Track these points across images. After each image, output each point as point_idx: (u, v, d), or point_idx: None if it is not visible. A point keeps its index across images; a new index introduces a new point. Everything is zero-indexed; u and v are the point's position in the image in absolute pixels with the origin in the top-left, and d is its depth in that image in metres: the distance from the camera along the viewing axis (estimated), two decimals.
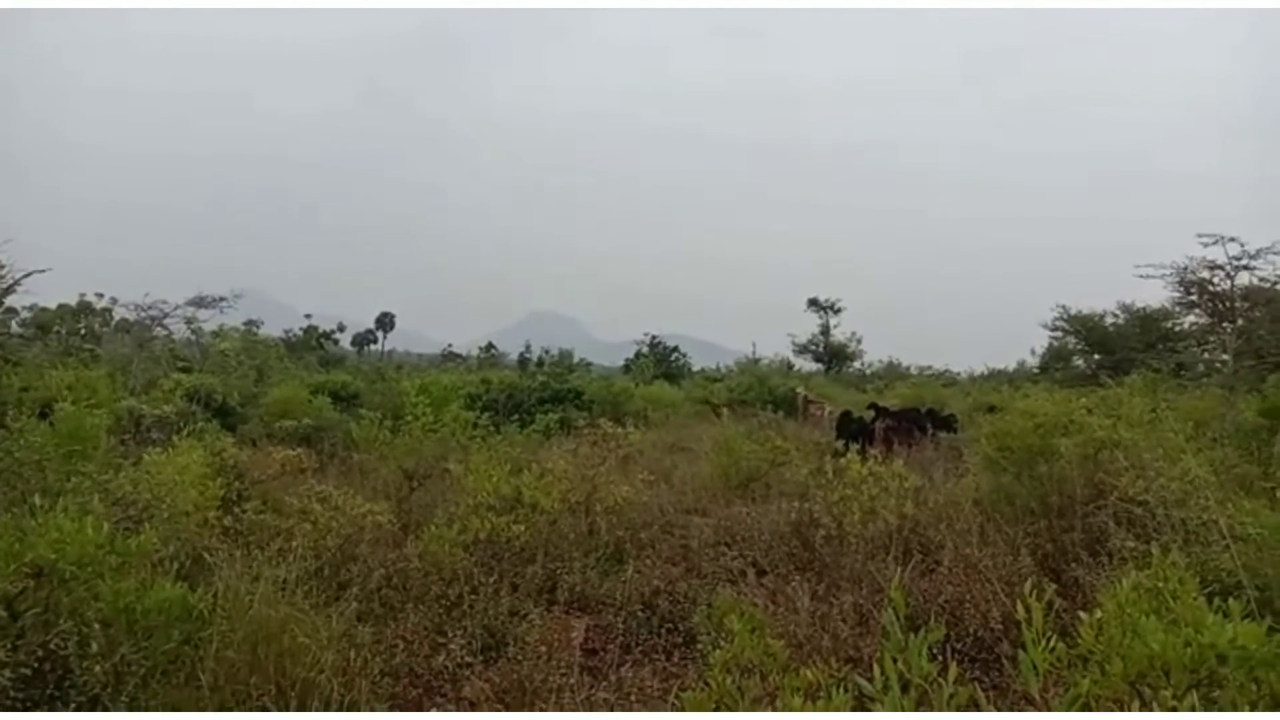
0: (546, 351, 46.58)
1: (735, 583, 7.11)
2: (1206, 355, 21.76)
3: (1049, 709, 2.82)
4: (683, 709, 3.40)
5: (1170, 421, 7.85)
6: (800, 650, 5.22)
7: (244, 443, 12.51)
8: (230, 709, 4.58)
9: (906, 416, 16.51)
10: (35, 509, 4.98)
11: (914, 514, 7.73)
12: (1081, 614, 3.20)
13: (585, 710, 5.06)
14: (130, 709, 4.30)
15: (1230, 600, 3.13)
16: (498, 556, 7.33)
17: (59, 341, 23.87)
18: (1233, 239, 15.67)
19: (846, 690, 2.88)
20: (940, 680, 2.66)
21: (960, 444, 13.08)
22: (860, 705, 2.82)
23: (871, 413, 16.92)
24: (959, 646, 5.55)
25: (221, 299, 21.54)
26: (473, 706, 5.18)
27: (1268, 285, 17.24)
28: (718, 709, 3.26)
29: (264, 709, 4.61)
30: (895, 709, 2.64)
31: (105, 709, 4.26)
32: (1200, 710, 2.73)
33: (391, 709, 5.06)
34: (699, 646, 5.59)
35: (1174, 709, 2.72)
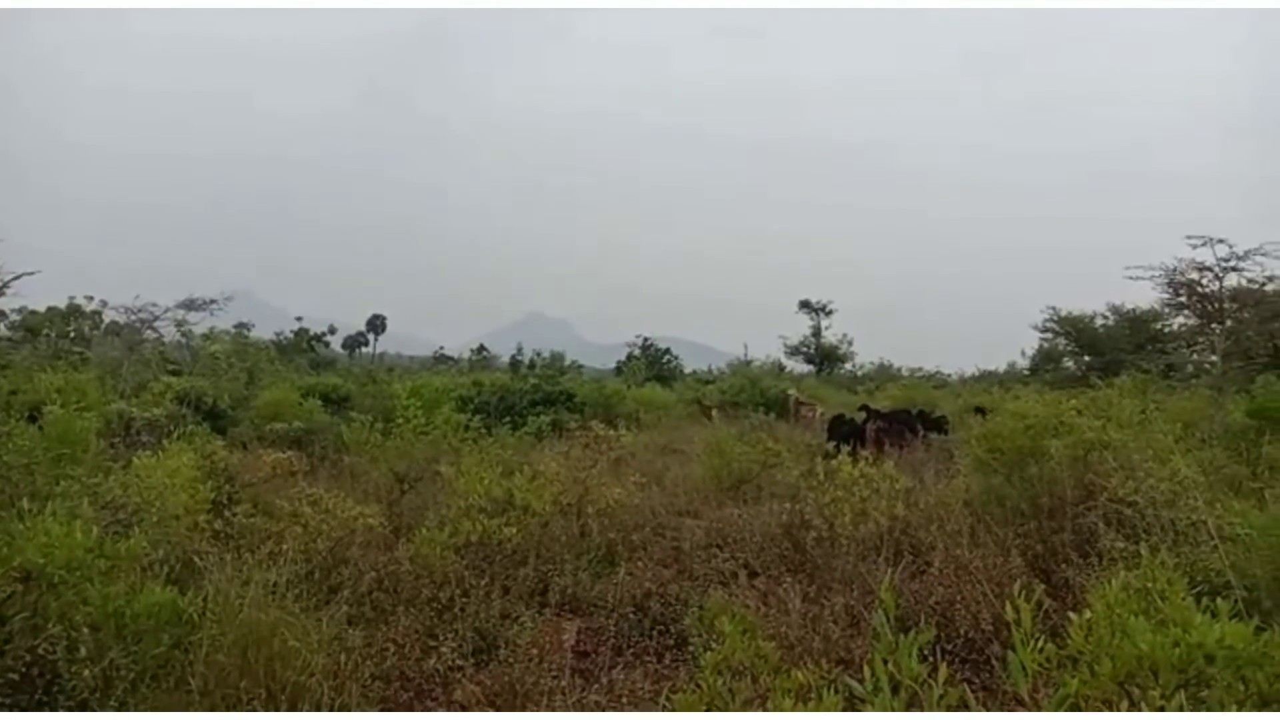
0: (538, 354, 46.59)
1: (727, 585, 7.12)
2: (1195, 356, 21.86)
3: (1038, 709, 2.83)
4: (674, 711, 3.40)
5: (1159, 423, 7.89)
6: (791, 652, 5.23)
7: (234, 446, 12.48)
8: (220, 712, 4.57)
9: (897, 418, 16.54)
10: (24, 513, 4.96)
11: (905, 515, 7.75)
12: (1071, 614, 3.21)
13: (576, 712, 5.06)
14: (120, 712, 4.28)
15: (1218, 600, 3.15)
16: (489, 559, 7.31)
17: (48, 344, 23.77)
18: (1221, 240, 15.74)
19: (837, 692, 2.89)
20: (930, 681, 2.67)
21: (951, 445, 13.10)
22: (851, 706, 2.82)
23: (863, 414, 16.95)
24: (949, 648, 5.56)
25: (212, 301, 21.45)
26: (464, 709, 5.17)
27: (1256, 286, 17.33)
28: (709, 710, 3.27)
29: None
30: (886, 710, 2.64)
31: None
32: (1188, 710, 2.75)
33: (382, 712, 5.05)
34: (690, 648, 5.60)
35: (1162, 709, 2.74)
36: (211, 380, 18.46)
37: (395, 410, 11.61)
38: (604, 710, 5.09)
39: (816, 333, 47.91)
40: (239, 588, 5.22)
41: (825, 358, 47.42)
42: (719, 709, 3.26)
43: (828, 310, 48.34)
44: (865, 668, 2.74)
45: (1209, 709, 2.83)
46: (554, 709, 5.06)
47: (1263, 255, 15.97)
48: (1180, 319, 21.67)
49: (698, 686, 3.38)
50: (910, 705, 2.68)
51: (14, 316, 25.07)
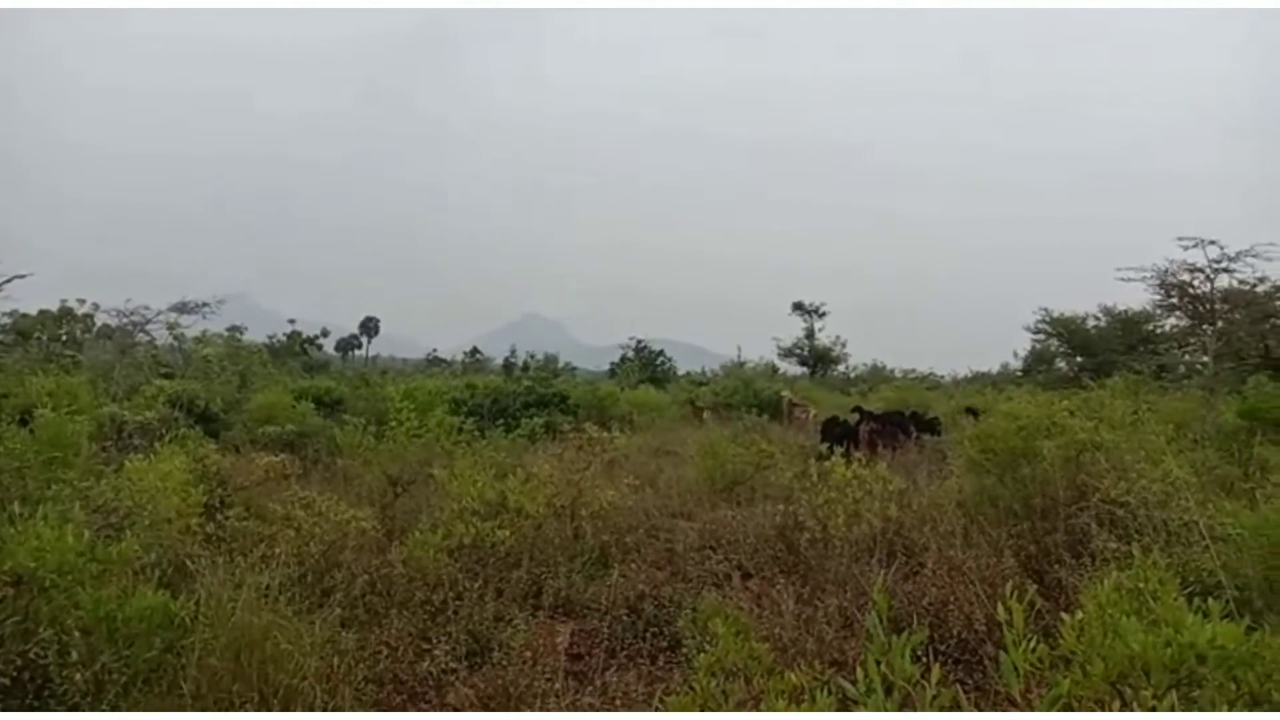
0: (532, 356, 46.54)
1: (720, 586, 7.13)
2: (1187, 357, 21.96)
3: (1031, 709, 2.83)
4: (667, 712, 3.40)
5: (1151, 423, 7.92)
6: (785, 653, 5.24)
7: (227, 449, 12.43)
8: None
9: (890, 420, 16.57)
10: (15, 517, 4.94)
11: (898, 516, 7.76)
12: (1064, 615, 3.22)
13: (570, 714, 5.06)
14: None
15: (1210, 600, 3.16)
16: (482, 562, 7.31)
17: (40, 347, 23.68)
18: (1212, 242, 15.83)
19: (830, 693, 2.89)
20: (923, 682, 2.67)
21: (944, 446, 13.13)
22: (844, 708, 2.82)
23: (856, 416, 16.98)
24: (942, 648, 5.58)
25: (204, 304, 21.42)
26: (457, 712, 5.17)
27: (1247, 288, 17.41)
28: (702, 712, 3.27)
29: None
30: (879, 711, 2.65)
31: None
32: (1180, 710, 2.76)
33: (375, 714, 5.04)
34: (684, 650, 5.60)
35: (1154, 709, 2.75)
36: (204, 383, 18.41)
37: (388, 413, 11.57)
38: (598, 712, 5.09)
39: (810, 334, 47.96)
40: (231, 591, 5.21)
41: (818, 359, 47.48)
42: (712, 710, 3.26)
43: (821, 312, 48.41)
44: (858, 669, 2.74)
45: (1201, 709, 2.84)
46: (547, 711, 5.06)
47: (1254, 256, 16.07)
48: (1172, 320, 21.80)
49: (691, 688, 3.38)
50: (903, 706, 2.68)
51: (5, 320, 24.97)
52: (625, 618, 6.52)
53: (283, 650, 4.85)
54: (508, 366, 46.38)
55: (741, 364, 42.61)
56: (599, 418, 19.06)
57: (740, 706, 3.28)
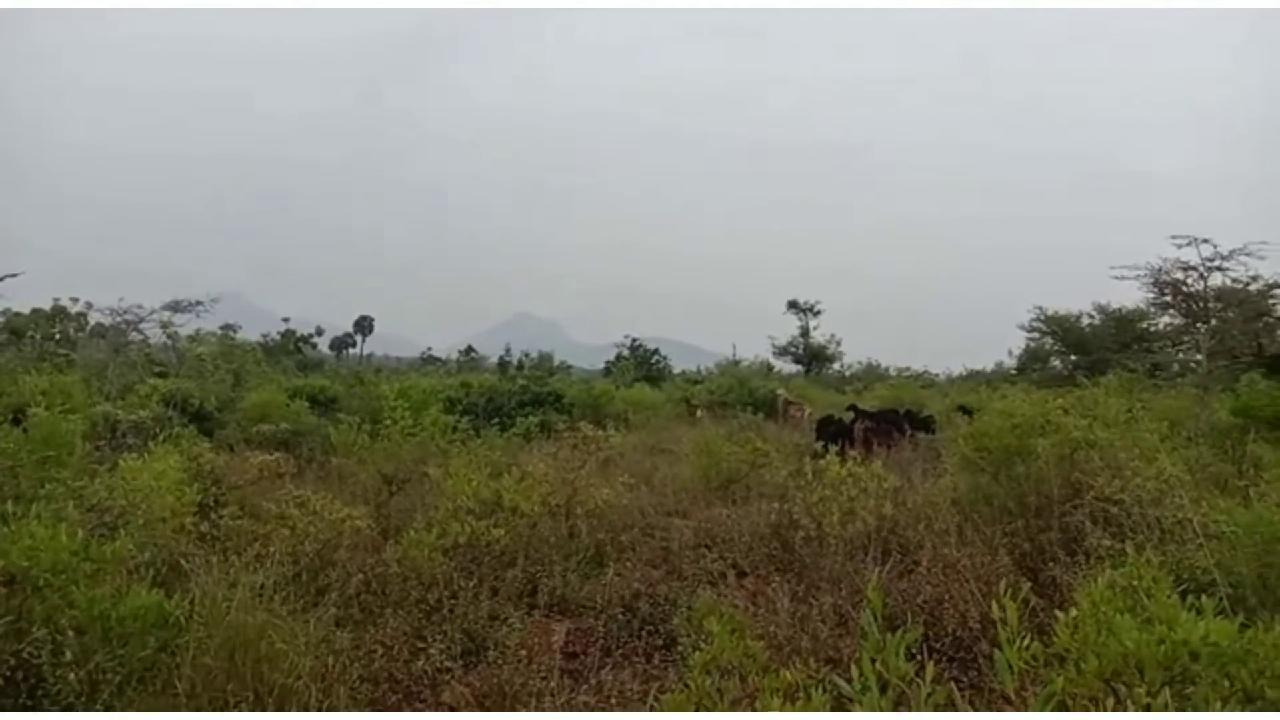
0: (526, 354, 46.52)
1: (715, 584, 7.13)
2: (1181, 355, 22.02)
3: (1025, 707, 2.84)
4: (662, 711, 3.40)
5: (1145, 421, 7.94)
6: (780, 651, 5.24)
7: (221, 448, 12.41)
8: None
9: (885, 418, 16.58)
10: (8, 516, 4.93)
11: (893, 514, 7.76)
12: (1058, 613, 3.22)
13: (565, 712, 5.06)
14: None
15: (1203, 597, 3.17)
16: (477, 560, 7.30)
17: (33, 346, 23.60)
18: (1205, 240, 15.87)
19: (825, 691, 2.90)
20: (918, 680, 2.68)
21: (938, 445, 13.14)
22: (839, 705, 2.83)
23: (851, 414, 16.99)
24: (937, 646, 5.58)
25: (198, 303, 21.33)
26: (452, 711, 5.16)
27: (1240, 286, 17.46)
28: (697, 710, 3.27)
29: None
30: (873, 709, 2.65)
31: None
32: (1173, 708, 2.76)
33: (370, 714, 5.04)
34: (679, 649, 5.60)
35: (1148, 706, 2.75)
36: (198, 382, 18.36)
37: (383, 412, 11.57)
38: (593, 711, 5.09)
39: (805, 333, 48.00)
40: (226, 590, 5.20)
41: (813, 358, 47.53)
42: (708, 708, 3.26)
43: (815, 310, 48.47)
44: (853, 666, 2.74)
45: (1195, 705, 2.85)
46: (543, 710, 5.06)
47: (1246, 255, 16.11)
48: (1166, 318, 21.83)
49: (686, 686, 3.38)
50: (898, 703, 2.69)
51: None
52: (620, 616, 6.52)
53: (277, 649, 4.84)
54: (502, 365, 46.35)
55: (737, 362, 42.66)
56: (594, 416, 19.07)
57: (735, 704, 3.28)
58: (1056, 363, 31.61)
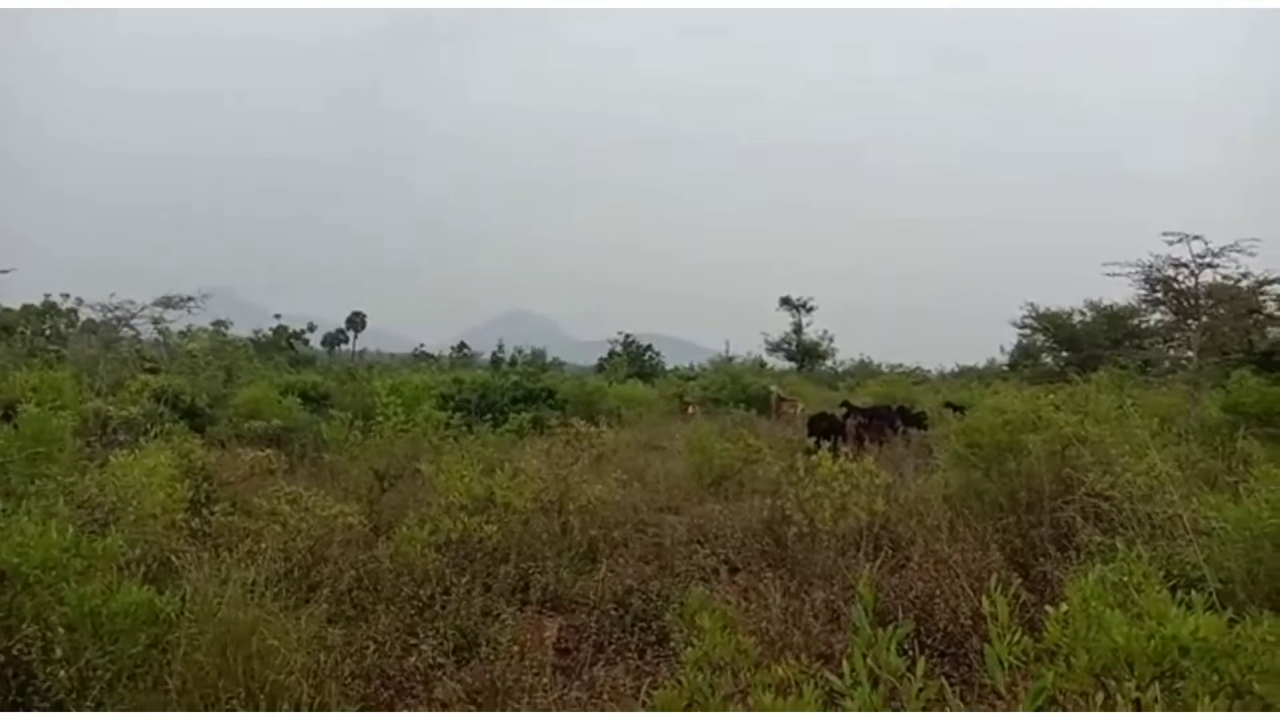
0: (519, 351, 46.44)
1: (708, 580, 7.13)
2: (1172, 352, 22.05)
3: (1015, 702, 2.84)
4: (654, 707, 3.40)
5: (1136, 418, 7.95)
6: (772, 647, 5.24)
7: (212, 444, 12.39)
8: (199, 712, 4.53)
9: (877, 414, 16.63)
10: None
11: (885, 510, 7.78)
12: (1048, 608, 3.23)
13: (558, 710, 5.05)
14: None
15: (1193, 593, 3.18)
16: (470, 557, 7.29)
17: (23, 342, 23.45)
18: (1197, 237, 15.89)
19: (817, 686, 2.90)
20: (909, 675, 2.68)
21: (930, 441, 13.17)
22: (830, 701, 2.83)
23: (843, 411, 17.02)
24: (928, 641, 5.60)
25: (189, 299, 21.19)
26: (444, 707, 5.15)
27: (1231, 283, 17.50)
28: (689, 707, 3.27)
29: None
30: (865, 704, 2.65)
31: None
32: (1163, 701, 2.77)
33: (362, 711, 5.03)
34: (672, 644, 5.60)
35: (1137, 701, 2.76)
36: (189, 378, 18.29)
37: (375, 408, 11.54)
38: (585, 708, 5.09)
39: (797, 329, 48.09)
40: (217, 587, 5.18)
41: (806, 354, 47.61)
42: (700, 704, 3.26)
43: (808, 307, 48.54)
44: (845, 662, 2.74)
45: (1183, 700, 2.85)
46: (535, 706, 5.06)
47: (1237, 252, 16.14)
48: (1157, 315, 21.87)
49: (679, 682, 3.38)
50: (889, 699, 2.69)
51: None
52: (613, 612, 6.53)
53: (269, 646, 4.82)
54: (495, 361, 46.28)
55: (730, 359, 42.68)
56: (587, 413, 19.06)
57: (727, 700, 3.28)
58: (1048, 359, 31.68)
